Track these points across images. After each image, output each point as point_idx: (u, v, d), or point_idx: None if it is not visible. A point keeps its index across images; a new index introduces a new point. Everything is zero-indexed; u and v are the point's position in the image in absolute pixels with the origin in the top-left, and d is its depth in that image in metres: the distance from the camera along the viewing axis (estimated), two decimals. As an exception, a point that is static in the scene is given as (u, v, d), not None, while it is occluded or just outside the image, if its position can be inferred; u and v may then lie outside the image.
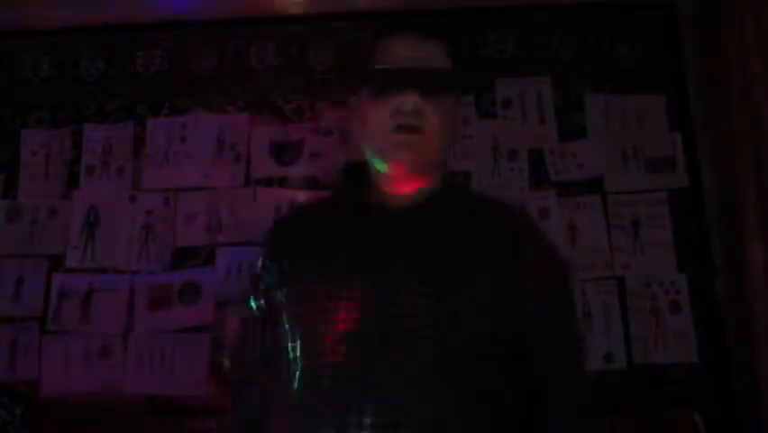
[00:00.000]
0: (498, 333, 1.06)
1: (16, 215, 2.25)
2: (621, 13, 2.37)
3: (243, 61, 2.35)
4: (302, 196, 2.23)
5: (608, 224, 2.21)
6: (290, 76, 2.34)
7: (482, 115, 2.30)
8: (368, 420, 0.97)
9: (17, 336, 2.14)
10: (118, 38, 2.38)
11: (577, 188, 2.24)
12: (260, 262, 1.20)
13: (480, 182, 2.24)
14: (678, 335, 2.13)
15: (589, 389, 1.16)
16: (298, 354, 1.08)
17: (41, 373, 2.12)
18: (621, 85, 2.31)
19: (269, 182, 2.27)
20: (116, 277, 2.19)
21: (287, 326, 1.12)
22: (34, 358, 2.13)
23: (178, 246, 2.21)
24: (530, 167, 2.26)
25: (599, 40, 2.35)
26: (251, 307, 1.21)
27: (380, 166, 1.12)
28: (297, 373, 1.08)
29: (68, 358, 2.13)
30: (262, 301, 1.19)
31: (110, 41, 2.38)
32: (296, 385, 1.08)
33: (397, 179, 1.13)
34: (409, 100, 1.07)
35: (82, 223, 2.23)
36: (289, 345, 1.11)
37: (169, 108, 2.32)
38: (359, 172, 1.18)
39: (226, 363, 1.11)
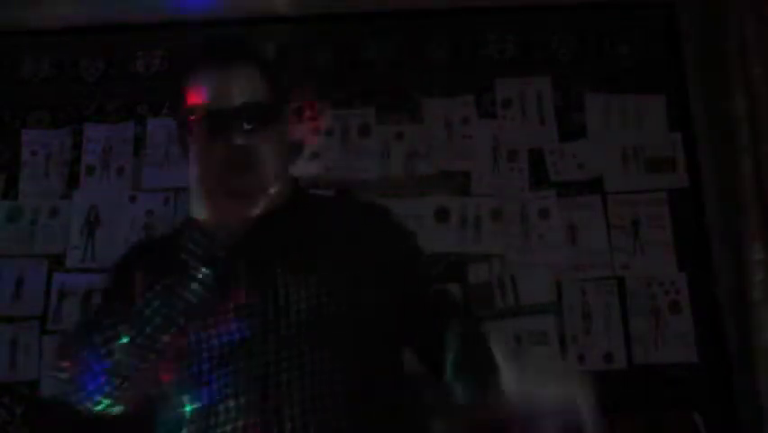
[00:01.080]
0: (374, 316, 1.08)
1: (16, 215, 2.25)
2: (621, 13, 2.37)
3: (243, 61, 2.35)
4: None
5: (608, 224, 2.21)
6: (290, 75, 2.34)
7: (482, 115, 2.30)
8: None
9: (17, 336, 2.14)
10: (118, 38, 2.37)
11: (577, 188, 2.24)
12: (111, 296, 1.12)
13: (480, 182, 2.24)
14: (678, 335, 2.13)
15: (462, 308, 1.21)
16: (194, 368, 1.03)
17: (40, 372, 2.12)
18: (621, 85, 2.30)
19: (269, 182, 2.26)
20: (116, 277, 2.19)
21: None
22: (34, 358, 2.12)
23: (178, 246, 2.21)
24: (530, 167, 2.26)
25: (599, 40, 2.35)
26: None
27: (212, 215, 1.00)
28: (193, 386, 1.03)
29: (68, 358, 2.12)
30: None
31: (110, 41, 2.37)
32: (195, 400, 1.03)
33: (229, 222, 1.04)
34: (235, 142, 1.00)
35: (82, 223, 2.23)
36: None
37: (169, 108, 2.32)
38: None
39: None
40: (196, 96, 1.05)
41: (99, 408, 1.05)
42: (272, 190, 1.05)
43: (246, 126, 1.02)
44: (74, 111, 2.33)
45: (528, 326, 2.14)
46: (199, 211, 1.00)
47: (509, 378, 0.90)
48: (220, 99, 1.03)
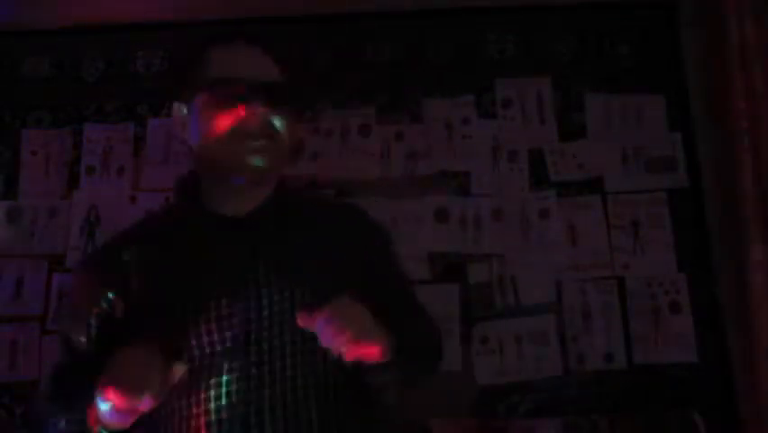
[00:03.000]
0: None
1: (16, 215, 2.25)
2: (621, 13, 2.37)
3: (243, 61, 2.35)
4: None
5: (608, 224, 2.21)
6: (290, 76, 2.34)
7: (482, 115, 2.30)
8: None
9: (17, 336, 2.14)
10: (118, 38, 2.38)
11: (577, 188, 2.24)
12: (85, 290, 1.13)
13: (480, 182, 2.24)
14: (678, 335, 2.13)
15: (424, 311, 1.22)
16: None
17: (41, 373, 2.12)
18: (621, 85, 2.30)
19: (269, 182, 2.26)
20: (116, 277, 2.19)
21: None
22: (34, 358, 2.12)
23: (178, 246, 2.21)
24: (530, 167, 2.26)
25: (599, 40, 2.35)
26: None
27: (231, 175, 1.11)
28: (179, 396, 1.04)
29: (68, 358, 2.12)
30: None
31: (110, 41, 2.37)
32: (177, 410, 1.04)
33: (240, 191, 1.13)
34: (256, 113, 1.08)
35: (82, 223, 2.23)
36: None
37: (169, 108, 2.32)
38: (191, 184, 1.19)
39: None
40: (233, 60, 1.11)
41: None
42: (278, 168, 1.15)
43: (269, 100, 1.09)
44: (74, 111, 2.32)
45: (528, 326, 2.14)
46: (216, 163, 1.10)
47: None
48: (257, 70, 1.11)
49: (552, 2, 2.36)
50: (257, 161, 1.09)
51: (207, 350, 1.03)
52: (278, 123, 1.10)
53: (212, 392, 1.02)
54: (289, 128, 1.13)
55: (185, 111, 1.17)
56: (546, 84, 2.31)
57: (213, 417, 1.01)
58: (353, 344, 0.94)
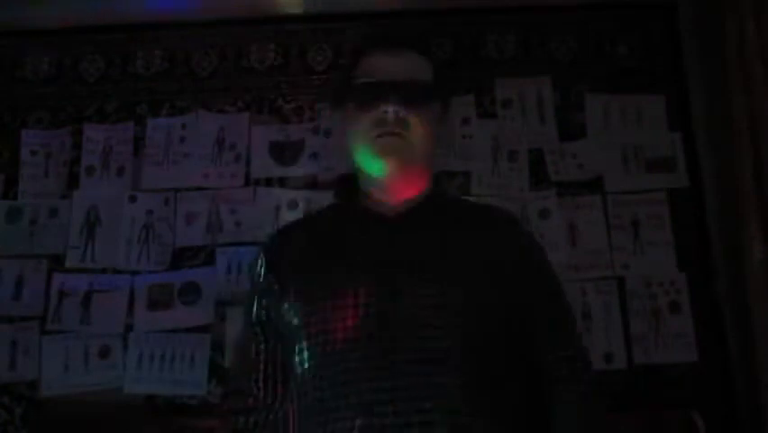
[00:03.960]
0: (499, 325, 1.12)
1: (16, 215, 2.25)
2: (621, 13, 2.37)
3: (243, 61, 2.35)
4: (302, 196, 2.23)
5: (608, 224, 2.21)
6: (290, 76, 2.34)
7: (482, 115, 2.30)
8: (388, 421, 1.01)
9: (17, 336, 2.14)
10: (118, 38, 2.38)
11: (577, 188, 2.24)
12: (259, 271, 1.22)
13: (480, 182, 2.24)
14: (678, 335, 2.13)
15: (589, 370, 1.24)
16: (306, 366, 1.10)
17: (41, 372, 2.12)
18: (621, 85, 2.31)
19: (269, 182, 2.27)
20: (116, 277, 2.19)
21: (291, 338, 1.14)
22: (34, 358, 2.12)
23: (178, 246, 2.21)
24: (530, 167, 2.26)
25: (599, 40, 2.35)
26: (251, 318, 1.22)
27: (370, 171, 1.18)
28: (309, 382, 1.10)
29: (68, 358, 2.12)
30: (263, 314, 1.20)
31: (110, 41, 2.38)
32: (308, 395, 1.10)
33: (388, 187, 1.19)
34: (390, 108, 1.13)
35: (82, 223, 2.23)
36: (296, 357, 1.12)
37: (169, 108, 2.32)
38: (352, 183, 1.25)
39: (228, 365, 1.14)
40: (375, 64, 1.18)
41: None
42: (419, 167, 1.19)
43: (406, 99, 1.14)
44: (74, 111, 2.33)
45: (528, 326, 2.14)
46: (359, 159, 1.19)
47: None
48: (393, 71, 1.16)
49: (552, 2, 2.36)
50: (384, 157, 1.14)
51: (341, 339, 1.06)
52: (412, 119, 1.14)
53: (339, 378, 1.05)
54: (425, 125, 1.16)
55: (336, 117, 1.25)
56: (546, 84, 2.31)
57: (342, 402, 1.03)
58: None
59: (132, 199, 2.25)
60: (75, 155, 2.29)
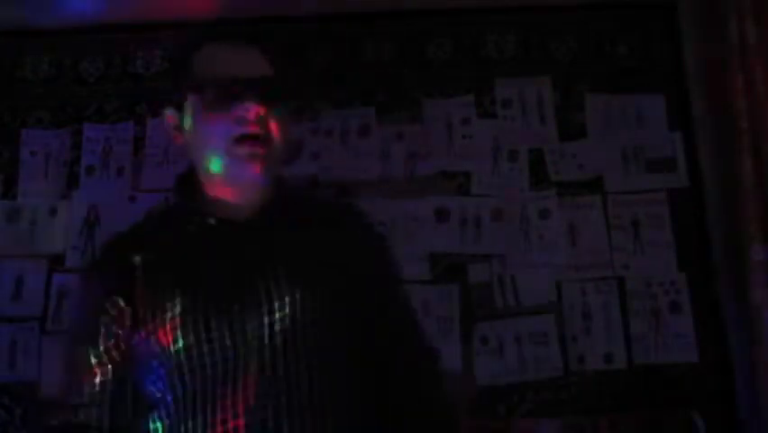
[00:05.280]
0: (353, 320, 1.08)
1: (16, 215, 2.25)
2: (621, 13, 2.37)
3: (243, 61, 2.35)
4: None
5: (608, 224, 2.21)
6: (290, 76, 2.34)
7: (482, 115, 2.30)
8: None
9: (17, 336, 2.14)
10: (118, 38, 2.38)
11: (577, 188, 2.24)
12: (96, 292, 1.10)
13: (480, 182, 2.24)
14: (678, 335, 2.13)
15: (433, 353, 1.20)
16: (179, 395, 1.02)
17: (41, 373, 2.12)
18: (621, 85, 2.31)
19: (269, 182, 2.26)
20: (116, 277, 2.19)
21: (148, 369, 1.04)
22: (34, 358, 2.12)
23: (177, 246, 2.21)
24: (530, 167, 2.26)
25: (599, 40, 2.35)
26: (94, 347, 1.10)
27: (226, 176, 1.07)
28: (181, 411, 1.02)
29: (68, 358, 2.12)
30: (110, 344, 1.07)
31: (110, 41, 2.37)
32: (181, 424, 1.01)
33: (240, 192, 1.10)
34: (252, 108, 1.03)
35: (82, 223, 2.23)
36: (159, 388, 1.04)
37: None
38: (191, 185, 1.15)
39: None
40: (222, 59, 1.08)
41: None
42: (276, 170, 1.11)
43: (263, 97, 1.05)
44: (74, 111, 2.32)
45: (528, 326, 2.14)
46: (213, 166, 1.07)
47: None
48: (246, 67, 1.07)
49: (552, 2, 2.36)
50: (253, 167, 1.05)
51: (220, 357, 1.00)
52: (272, 120, 1.06)
53: (228, 400, 0.99)
54: (285, 126, 1.09)
55: (176, 113, 1.16)
56: (546, 84, 2.31)
57: (230, 424, 0.98)
58: None
59: (132, 199, 2.25)
60: (75, 155, 2.29)
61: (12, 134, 2.30)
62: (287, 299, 1.03)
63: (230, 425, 0.98)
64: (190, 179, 1.17)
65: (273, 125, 1.07)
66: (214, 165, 1.07)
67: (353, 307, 1.08)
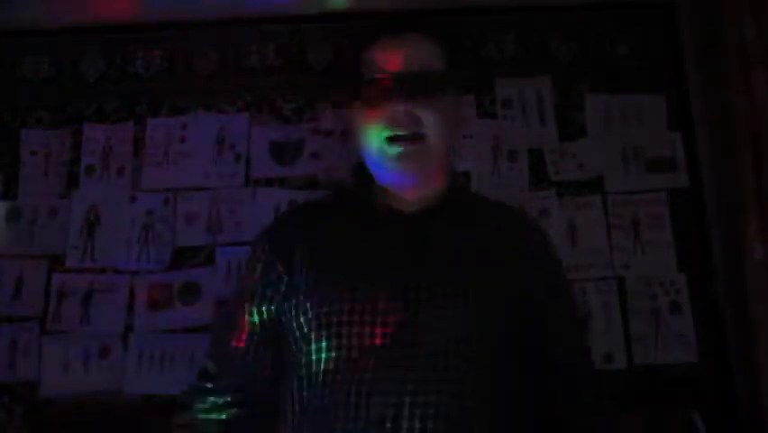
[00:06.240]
0: (517, 332, 1.05)
1: (16, 215, 2.25)
2: (621, 13, 2.37)
3: (243, 61, 2.35)
4: (302, 196, 2.23)
5: (608, 224, 2.21)
6: (290, 76, 2.34)
7: (482, 115, 2.30)
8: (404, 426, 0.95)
9: (17, 336, 2.14)
10: (118, 38, 2.37)
11: (577, 188, 2.24)
12: (262, 258, 1.13)
13: (480, 182, 2.24)
14: (678, 335, 2.13)
15: (598, 381, 1.20)
16: (322, 366, 1.02)
17: (41, 373, 2.12)
18: (621, 85, 2.31)
19: (269, 182, 2.27)
20: (116, 277, 2.19)
21: (299, 337, 1.05)
22: (34, 358, 2.12)
23: (178, 246, 2.21)
24: (530, 167, 2.26)
25: (599, 40, 2.35)
26: (251, 306, 1.13)
27: (382, 178, 1.10)
28: (317, 385, 1.02)
29: (68, 358, 2.12)
30: (265, 309, 1.11)
31: (110, 41, 2.37)
32: (315, 399, 1.01)
33: (400, 187, 1.11)
34: (399, 108, 1.04)
35: (82, 223, 2.23)
36: (302, 358, 1.04)
37: (169, 108, 2.32)
38: (366, 174, 1.15)
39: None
40: (378, 57, 1.08)
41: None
42: (437, 165, 1.10)
43: (418, 91, 1.04)
44: (74, 111, 2.32)
45: (528, 326, 2.14)
46: (371, 164, 1.10)
47: None
48: (398, 63, 1.06)
49: (552, 2, 2.36)
50: (402, 166, 1.06)
51: (356, 345, 0.99)
52: (424, 114, 1.05)
53: (353, 388, 0.98)
54: (440, 118, 1.07)
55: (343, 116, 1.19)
56: (546, 84, 2.31)
57: (351, 412, 0.97)
58: None
59: (133, 199, 2.25)
60: (75, 155, 2.29)
61: (12, 134, 2.30)
62: (455, 303, 1.02)
63: (350, 413, 0.97)
64: (364, 169, 1.17)
65: (431, 118, 1.06)
66: (371, 162, 1.11)
67: (511, 319, 1.05)
